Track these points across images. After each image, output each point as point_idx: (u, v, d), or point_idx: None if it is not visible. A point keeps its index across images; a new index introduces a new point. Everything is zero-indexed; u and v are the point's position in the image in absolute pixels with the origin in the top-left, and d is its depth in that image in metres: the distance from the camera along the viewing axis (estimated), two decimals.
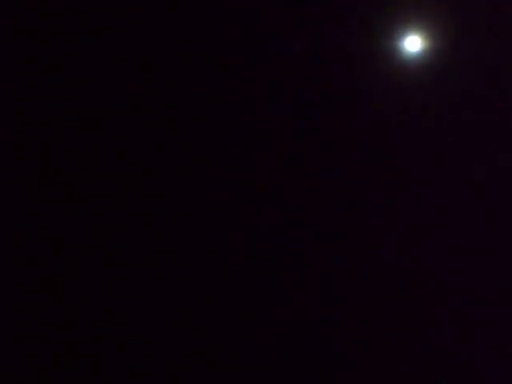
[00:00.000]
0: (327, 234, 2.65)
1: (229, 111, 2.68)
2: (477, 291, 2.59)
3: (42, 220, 2.70)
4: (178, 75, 2.70)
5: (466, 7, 2.59)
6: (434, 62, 2.61)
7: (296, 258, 2.67)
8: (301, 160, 2.66)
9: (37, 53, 2.72)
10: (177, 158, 2.71)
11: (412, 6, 2.62)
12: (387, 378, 2.62)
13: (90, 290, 2.68)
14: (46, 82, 2.72)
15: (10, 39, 2.72)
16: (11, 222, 2.70)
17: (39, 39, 2.72)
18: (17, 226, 2.70)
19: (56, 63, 2.71)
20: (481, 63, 2.58)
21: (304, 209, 2.66)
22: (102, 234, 2.69)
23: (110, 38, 2.71)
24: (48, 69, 2.72)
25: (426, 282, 2.61)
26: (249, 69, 2.68)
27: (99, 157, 2.71)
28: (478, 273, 2.59)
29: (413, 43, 2.63)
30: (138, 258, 2.69)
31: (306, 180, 2.66)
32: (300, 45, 2.63)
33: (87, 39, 2.71)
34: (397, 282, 2.63)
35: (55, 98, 2.72)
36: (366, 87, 2.62)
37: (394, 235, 2.64)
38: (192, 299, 2.68)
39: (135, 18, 2.70)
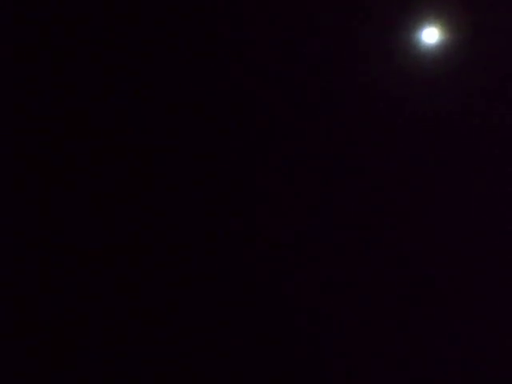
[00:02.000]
0: (326, 234, 2.65)
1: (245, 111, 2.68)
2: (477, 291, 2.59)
3: (41, 219, 2.70)
4: (178, 75, 2.70)
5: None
6: (451, 54, 2.60)
7: (295, 258, 2.67)
8: (318, 158, 2.66)
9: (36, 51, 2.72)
10: (176, 158, 2.71)
11: None
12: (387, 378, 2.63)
13: (89, 289, 2.69)
14: (45, 81, 2.72)
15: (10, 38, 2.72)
16: (11, 221, 2.71)
17: (39, 38, 2.72)
18: (16, 226, 2.71)
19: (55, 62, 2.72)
20: (497, 55, 2.58)
21: (309, 209, 2.67)
22: (101, 234, 2.70)
23: (109, 37, 2.71)
24: (47, 68, 2.72)
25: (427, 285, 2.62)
26: (262, 67, 2.68)
27: (99, 157, 2.71)
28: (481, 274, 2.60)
29: (430, 35, 2.62)
30: (137, 257, 2.70)
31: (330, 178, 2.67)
32: (316, 38, 2.63)
33: (86, 38, 2.71)
34: (396, 284, 2.63)
35: (54, 97, 2.72)
36: (383, 79, 2.62)
37: (397, 236, 2.64)
38: (191, 300, 2.69)
39: (138, 15, 2.71)
